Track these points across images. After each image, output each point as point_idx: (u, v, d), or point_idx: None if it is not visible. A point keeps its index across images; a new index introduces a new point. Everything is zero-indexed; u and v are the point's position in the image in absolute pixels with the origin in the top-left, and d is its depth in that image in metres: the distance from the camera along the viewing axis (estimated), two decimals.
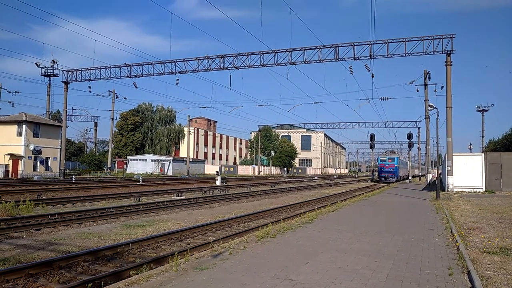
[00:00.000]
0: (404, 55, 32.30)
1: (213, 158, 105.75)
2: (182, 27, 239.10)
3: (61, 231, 11.68)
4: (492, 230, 11.09)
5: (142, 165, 70.82)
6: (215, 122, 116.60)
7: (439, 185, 24.37)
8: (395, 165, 51.48)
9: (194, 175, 66.40)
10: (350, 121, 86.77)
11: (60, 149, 49.25)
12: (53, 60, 55.01)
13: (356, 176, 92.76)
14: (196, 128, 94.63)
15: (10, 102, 60.43)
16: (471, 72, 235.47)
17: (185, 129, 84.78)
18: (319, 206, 19.33)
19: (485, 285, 5.78)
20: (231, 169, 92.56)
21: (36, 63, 54.33)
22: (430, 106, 27.83)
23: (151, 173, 65.41)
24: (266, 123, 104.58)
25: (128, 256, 8.75)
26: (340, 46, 34.06)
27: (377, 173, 57.22)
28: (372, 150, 67.46)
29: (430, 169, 48.58)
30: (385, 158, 52.53)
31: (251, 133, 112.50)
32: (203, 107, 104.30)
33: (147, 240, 9.90)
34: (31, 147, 46.52)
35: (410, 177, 64.78)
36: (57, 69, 54.40)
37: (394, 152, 58.19)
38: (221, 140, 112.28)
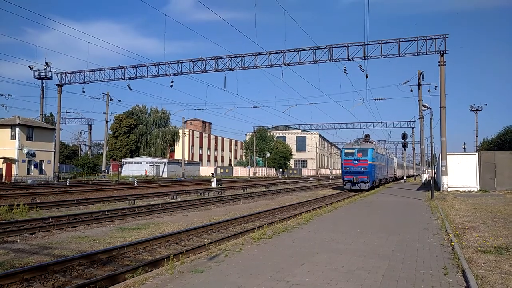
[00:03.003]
0: (397, 55, 32.47)
1: (208, 160, 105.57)
2: (176, 29, 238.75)
3: (56, 235, 11.61)
4: (487, 230, 11.15)
5: (137, 167, 70.61)
6: (210, 123, 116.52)
7: (433, 185, 24.48)
8: (369, 162, 32.00)
9: (190, 177, 66.26)
10: (344, 121, 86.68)
11: (54, 152, 48.95)
12: (46, 63, 54.70)
13: None
14: (191, 130, 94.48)
15: (3, 105, 60.19)
16: (464, 72, 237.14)
17: (180, 131, 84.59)
18: (315, 207, 19.35)
19: (480, 284, 5.81)
20: (227, 170, 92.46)
21: (29, 66, 54.06)
22: (424, 106, 27.98)
23: (146, 176, 65.23)
24: (261, 125, 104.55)
25: (123, 259, 8.72)
26: (334, 47, 34.17)
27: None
28: None
29: (424, 169, 48.82)
30: (352, 151, 32.97)
31: (246, 134, 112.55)
32: (197, 109, 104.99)
33: (143, 243, 9.87)
34: (25, 150, 46.21)
35: (405, 177, 64.84)
36: (51, 71, 54.11)
37: (369, 142, 35.42)
38: (216, 142, 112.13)
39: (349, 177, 32.35)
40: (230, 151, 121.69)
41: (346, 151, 33.72)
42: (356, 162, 32.30)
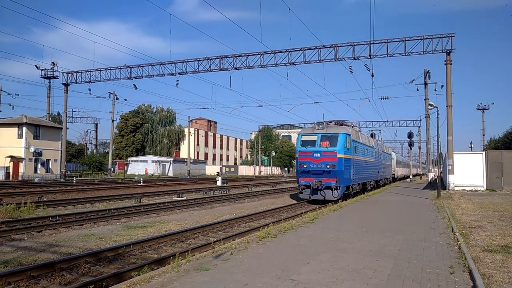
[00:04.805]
0: (404, 54, 32.25)
1: (214, 159, 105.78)
2: (181, 28, 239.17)
3: (62, 233, 11.69)
4: (494, 229, 11.08)
5: (142, 166, 70.89)
6: (215, 122, 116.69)
7: (440, 184, 24.34)
8: (339, 156, 19.65)
9: (195, 176, 66.41)
10: (350, 120, 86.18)
11: (61, 151, 49.27)
12: (53, 62, 55.01)
13: None
14: (196, 129, 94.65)
15: (10, 105, 60.20)
16: (471, 70, 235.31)
17: (186, 130, 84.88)
18: (320, 205, 19.31)
19: (486, 283, 5.77)
20: (232, 169, 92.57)
21: (36, 65, 54.37)
22: (431, 105, 27.84)
23: (152, 174, 65.47)
24: (266, 123, 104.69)
25: (129, 257, 8.76)
26: (340, 46, 34.03)
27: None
28: None
29: (431, 168, 48.54)
30: (313, 137, 20.47)
31: (251, 133, 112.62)
32: (203, 108, 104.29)
33: (148, 241, 9.90)
34: (32, 149, 46.56)
35: (411, 176, 64.40)
36: (57, 71, 54.41)
37: (342, 124, 22.49)
38: (221, 141, 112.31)
39: (306, 179, 20.13)
40: (236, 150, 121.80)
41: (304, 137, 20.98)
42: (319, 156, 19.89)
